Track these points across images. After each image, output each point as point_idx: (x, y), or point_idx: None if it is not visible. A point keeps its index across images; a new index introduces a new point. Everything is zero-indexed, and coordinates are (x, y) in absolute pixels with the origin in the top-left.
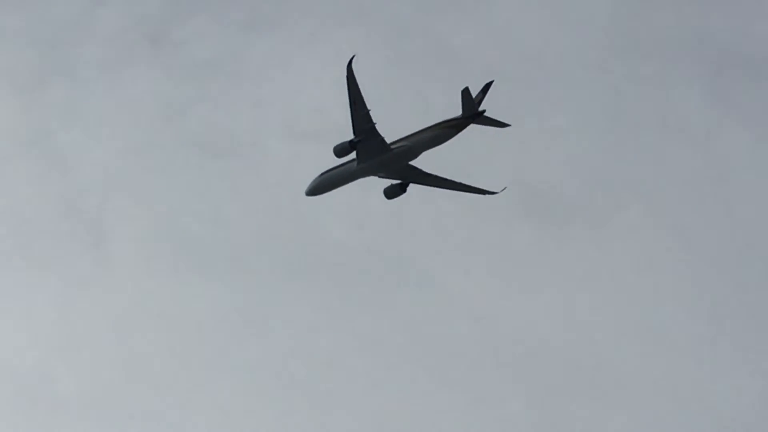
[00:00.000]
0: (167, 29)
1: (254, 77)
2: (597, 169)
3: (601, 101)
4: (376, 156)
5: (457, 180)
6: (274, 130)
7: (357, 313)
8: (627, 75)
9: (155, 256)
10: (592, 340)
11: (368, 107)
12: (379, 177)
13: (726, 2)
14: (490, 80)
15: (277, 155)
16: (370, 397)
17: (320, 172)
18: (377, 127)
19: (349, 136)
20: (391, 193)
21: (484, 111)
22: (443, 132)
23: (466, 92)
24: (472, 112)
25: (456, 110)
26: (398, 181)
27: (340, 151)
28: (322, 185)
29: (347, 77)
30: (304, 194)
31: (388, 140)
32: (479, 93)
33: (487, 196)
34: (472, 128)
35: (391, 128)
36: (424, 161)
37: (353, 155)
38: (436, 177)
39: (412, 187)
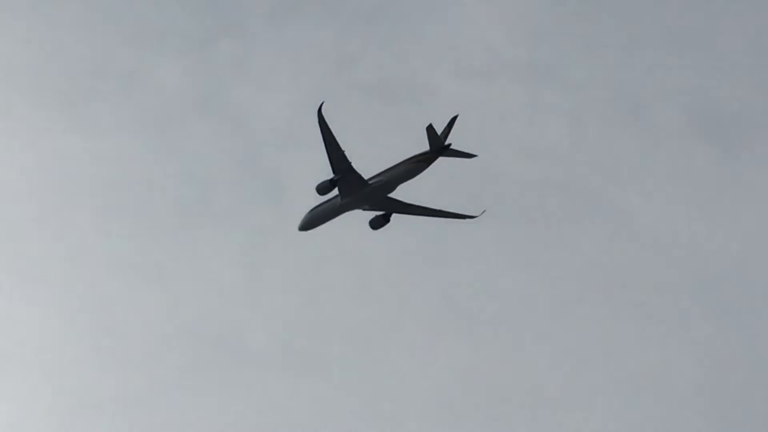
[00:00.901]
0: None
1: (421, 19)
2: None
3: None
4: (355, 191)
5: (436, 207)
6: (444, 71)
7: (542, 249)
8: None
9: None
10: None
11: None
12: (364, 210)
13: None
14: (454, 115)
15: (449, 96)
16: (569, 333)
17: (310, 209)
18: (354, 164)
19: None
20: (375, 223)
21: (449, 144)
22: (414, 167)
23: (430, 128)
24: (438, 146)
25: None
26: (382, 212)
27: (322, 189)
28: (312, 221)
29: (319, 122)
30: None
31: (366, 175)
32: (446, 127)
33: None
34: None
35: (367, 164)
36: (408, 192)
37: (336, 191)
38: (416, 206)
39: (395, 217)
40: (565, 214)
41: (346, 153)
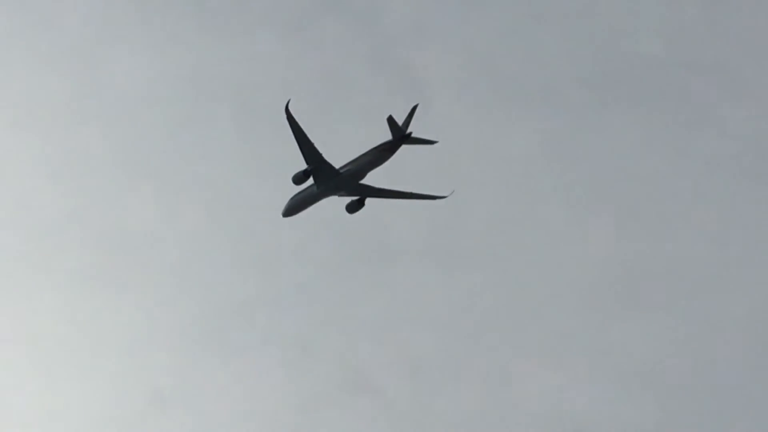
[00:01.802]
0: None
1: None
2: None
3: None
4: (328, 180)
5: (407, 190)
6: None
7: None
8: None
9: None
10: None
11: (312, 141)
12: (339, 196)
13: None
14: (415, 104)
15: None
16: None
17: (291, 196)
18: (325, 155)
19: None
20: (351, 208)
21: (410, 133)
22: (380, 155)
23: (390, 119)
24: (400, 134)
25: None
26: (356, 197)
27: (297, 179)
28: (294, 207)
29: (287, 119)
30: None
31: (337, 165)
32: (407, 116)
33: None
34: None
35: (339, 152)
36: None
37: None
38: (388, 190)
39: (369, 200)
40: None
41: (316, 145)
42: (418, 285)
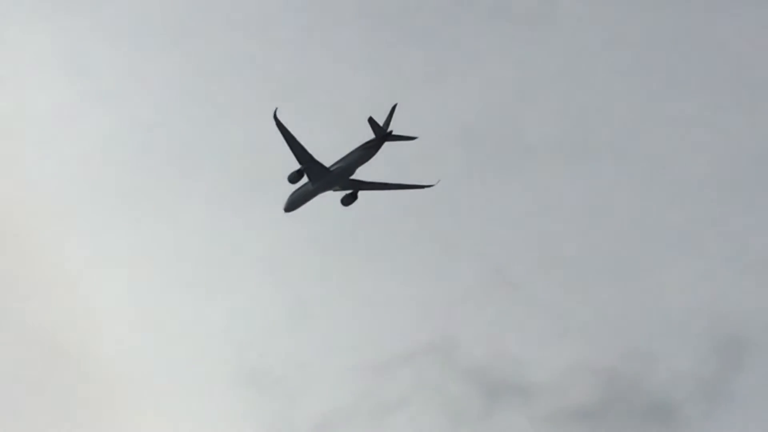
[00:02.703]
0: None
1: None
2: None
3: None
4: (321, 178)
5: (395, 182)
6: None
7: None
8: None
9: None
10: None
11: (302, 144)
12: (334, 190)
13: None
14: (394, 103)
15: None
16: None
17: (291, 193)
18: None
19: None
20: (346, 201)
21: (391, 131)
22: (365, 153)
23: (371, 120)
24: (381, 133)
25: None
26: (350, 191)
27: (292, 178)
28: (295, 202)
29: (277, 125)
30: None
31: (327, 163)
32: (388, 115)
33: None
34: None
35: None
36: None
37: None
38: (378, 183)
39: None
40: None
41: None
42: (552, 180)
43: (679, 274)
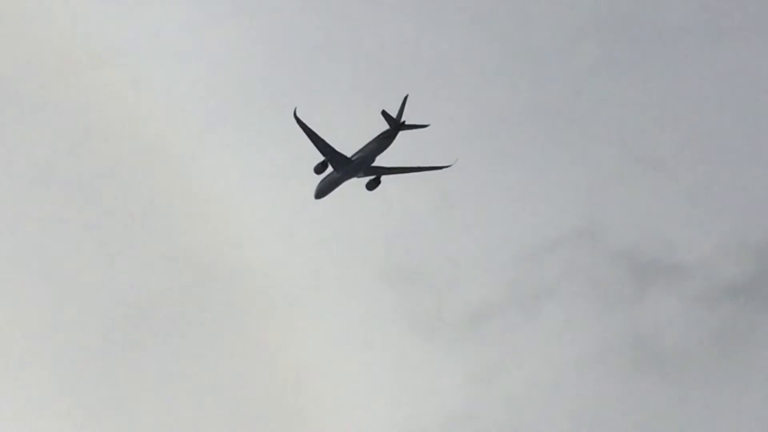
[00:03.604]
0: None
1: None
2: None
3: None
4: (345, 167)
5: (415, 165)
6: None
7: None
8: None
9: None
10: None
11: (324, 138)
12: (358, 177)
13: None
14: (405, 94)
15: None
16: None
17: (319, 181)
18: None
19: None
20: (370, 186)
21: (404, 121)
22: (382, 143)
23: (384, 113)
24: (396, 124)
25: None
26: (373, 176)
27: (318, 169)
28: (323, 190)
29: (298, 124)
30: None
31: (349, 153)
32: (400, 106)
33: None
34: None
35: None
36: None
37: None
38: (398, 167)
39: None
40: None
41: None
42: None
43: None
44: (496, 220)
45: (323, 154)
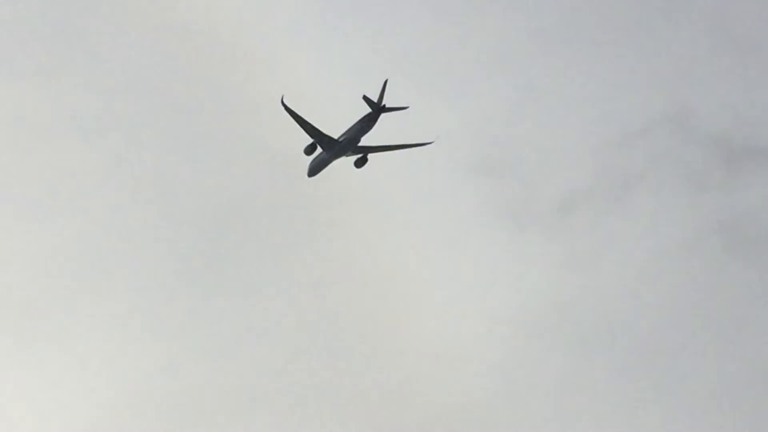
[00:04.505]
0: None
1: None
2: None
3: None
4: (332, 148)
5: (399, 143)
6: None
7: None
8: None
9: None
10: None
11: (311, 121)
12: (347, 156)
13: None
14: (385, 79)
15: None
16: None
17: (311, 160)
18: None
19: None
20: (358, 164)
21: (385, 104)
22: (365, 125)
23: (365, 98)
24: (377, 107)
25: None
26: (360, 155)
27: (307, 150)
28: (315, 169)
29: (286, 111)
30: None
31: (335, 135)
32: (381, 90)
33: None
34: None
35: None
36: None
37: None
38: (383, 146)
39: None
40: None
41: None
42: None
43: None
44: (584, 107)
45: (312, 136)
